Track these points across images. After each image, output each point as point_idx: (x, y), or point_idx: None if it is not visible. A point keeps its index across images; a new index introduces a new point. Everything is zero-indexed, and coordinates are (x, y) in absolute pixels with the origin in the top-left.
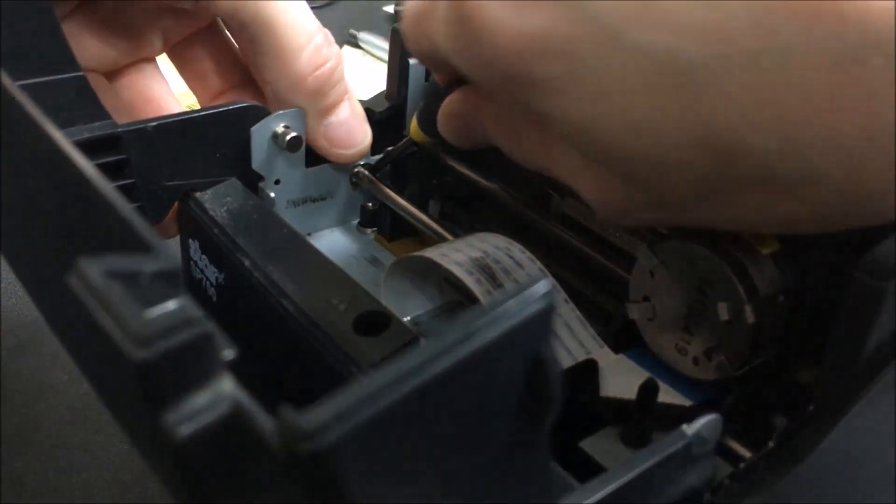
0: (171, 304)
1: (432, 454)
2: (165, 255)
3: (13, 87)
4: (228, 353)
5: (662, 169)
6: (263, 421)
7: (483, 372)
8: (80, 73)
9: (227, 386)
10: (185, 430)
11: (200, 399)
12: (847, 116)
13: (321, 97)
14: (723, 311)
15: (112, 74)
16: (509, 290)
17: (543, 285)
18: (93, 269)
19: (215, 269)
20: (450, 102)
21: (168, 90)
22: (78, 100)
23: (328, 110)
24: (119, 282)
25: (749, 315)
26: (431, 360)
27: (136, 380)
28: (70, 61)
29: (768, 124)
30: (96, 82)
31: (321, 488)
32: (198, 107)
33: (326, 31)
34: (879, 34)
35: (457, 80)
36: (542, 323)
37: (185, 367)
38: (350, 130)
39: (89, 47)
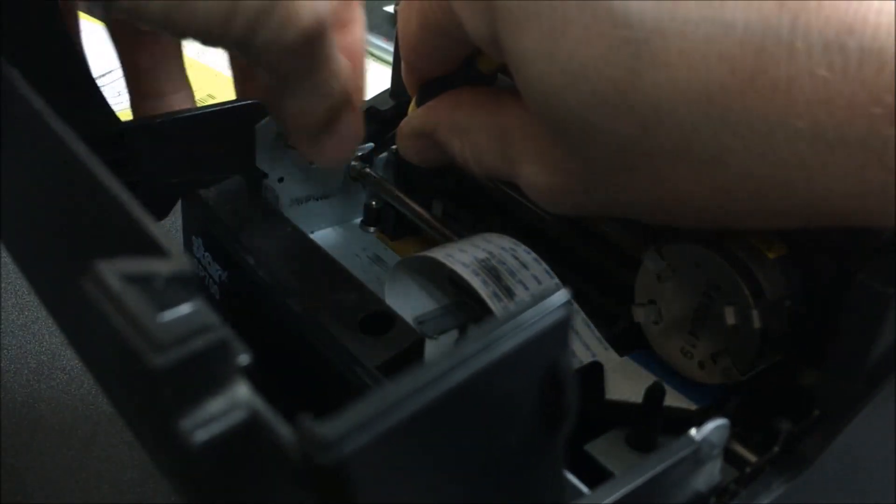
0: (187, 310)
1: (448, 462)
2: (181, 259)
3: (20, 81)
4: (244, 359)
5: (589, 129)
6: (280, 429)
7: (501, 381)
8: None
9: (242, 393)
10: (200, 436)
11: (215, 405)
12: (764, 98)
13: None
14: (729, 315)
15: None
16: (526, 299)
17: (561, 295)
18: (109, 274)
19: (218, 267)
20: (409, 121)
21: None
22: (81, 96)
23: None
24: (136, 287)
25: (756, 319)
26: (451, 370)
27: (151, 385)
28: (74, 56)
29: (693, 94)
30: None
31: (337, 497)
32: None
33: None
34: (808, 24)
35: (425, 86)
36: (559, 333)
37: (200, 372)
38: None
39: None
